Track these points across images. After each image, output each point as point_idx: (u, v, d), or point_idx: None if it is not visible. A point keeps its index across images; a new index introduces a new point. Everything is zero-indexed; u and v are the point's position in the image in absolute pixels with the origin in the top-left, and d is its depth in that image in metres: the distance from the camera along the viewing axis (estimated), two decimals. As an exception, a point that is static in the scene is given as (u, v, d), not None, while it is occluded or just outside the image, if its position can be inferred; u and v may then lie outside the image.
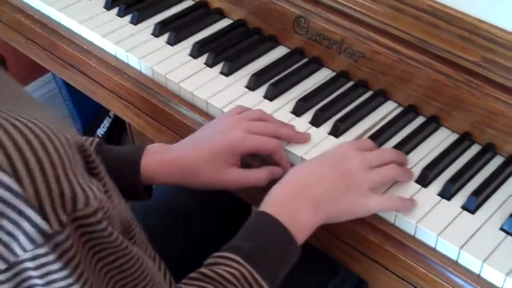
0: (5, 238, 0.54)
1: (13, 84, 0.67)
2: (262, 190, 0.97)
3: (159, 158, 0.92)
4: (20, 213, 0.53)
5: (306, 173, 0.86)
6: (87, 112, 2.24)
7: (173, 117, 1.07)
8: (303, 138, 0.98)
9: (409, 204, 0.88)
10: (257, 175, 0.93)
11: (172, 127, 1.08)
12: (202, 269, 0.77)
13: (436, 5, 0.96)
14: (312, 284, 1.05)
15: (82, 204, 0.56)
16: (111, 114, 2.21)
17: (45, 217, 0.54)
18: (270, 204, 0.83)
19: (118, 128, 2.22)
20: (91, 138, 0.93)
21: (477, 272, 0.84)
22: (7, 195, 0.52)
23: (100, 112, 2.21)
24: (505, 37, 0.90)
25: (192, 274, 0.77)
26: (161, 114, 1.09)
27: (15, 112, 0.57)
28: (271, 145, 0.93)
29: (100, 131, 2.20)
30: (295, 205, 0.83)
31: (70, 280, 0.57)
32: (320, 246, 0.98)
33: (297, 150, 0.97)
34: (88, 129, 2.23)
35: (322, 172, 0.86)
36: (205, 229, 1.13)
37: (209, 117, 1.04)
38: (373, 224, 0.90)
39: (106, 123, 2.22)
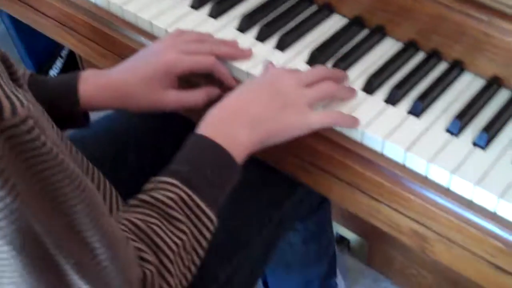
0: None
1: None
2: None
3: (95, 83, 0.92)
4: None
5: (241, 95, 0.86)
6: (38, 54, 2.19)
7: (117, 40, 1.06)
8: (244, 54, 0.97)
9: (350, 120, 0.89)
10: (194, 96, 0.93)
11: (116, 52, 1.07)
12: (141, 195, 0.77)
13: None
14: (267, 201, 1.06)
15: (8, 113, 0.53)
16: (63, 54, 2.18)
17: None
18: (206, 126, 0.83)
19: (72, 69, 2.19)
20: (22, 70, 0.91)
21: (423, 173, 0.85)
22: None
23: (51, 53, 2.17)
24: None
25: (131, 201, 0.77)
26: (105, 38, 1.07)
27: None
28: (207, 63, 0.93)
29: (53, 72, 2.17)
30: (232, 126, 0.83)
31: (1, 193, 0.54)
32: (270, 160, 0.99)
33: (241, 65, 0.96)
34: (40, 71, 2.19)
35: (257, 92, 0.86)
36: (158, 152, 1.12)
37: (154, 37, 1.03)
38: (320, 134, 0.90)
39: (59, 64, 2.18)
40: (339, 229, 1.70)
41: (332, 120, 0.87)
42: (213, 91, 0.94)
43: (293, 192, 1.09)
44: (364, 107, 0.91)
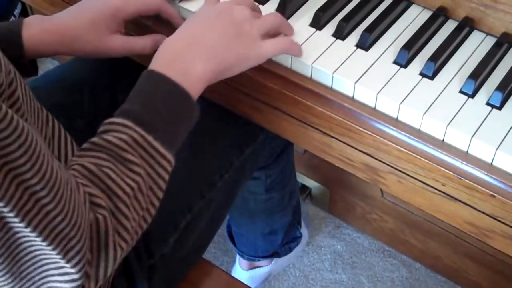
0: None
1: None
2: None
3: (39, 27, 0.89)
4: None
5: (193, 27, 0.84)
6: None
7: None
8: None
9: (299, 47, 0.88)
10: (141, 42, 0.92)
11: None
12: (93, 139, 0.74)
13: None
14: (228, 146, 1.06)
15: None
16: (16, 13, 2.13)
17: None
18: (158, 62, 0.80)
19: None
20: None
21: (372, 105, 0.85)
22: None
23: (4, 12, 2.13)
24: None
25: (84, 145, 0.74)
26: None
27: None
28: (154, 3, 0.92)
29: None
30: (185, 58, 0.80)
31: None
32: (222, 101, 0.99)
33: (190, 6, 0.95)
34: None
35: (210, 23, 0.83)
36: (113, 98, 1.11)
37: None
38: (270, 70, 0.90)
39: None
40: (301, 178, 1.71)
41: (284, 46, 0.86)
42: (161, 38, 0.92)
43: (254, 138, 1.09)
44: (313, 42, 0.90)
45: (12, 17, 2.11)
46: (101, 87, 1.11)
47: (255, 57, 0.85)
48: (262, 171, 1.28)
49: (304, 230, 1.62)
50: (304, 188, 1.75)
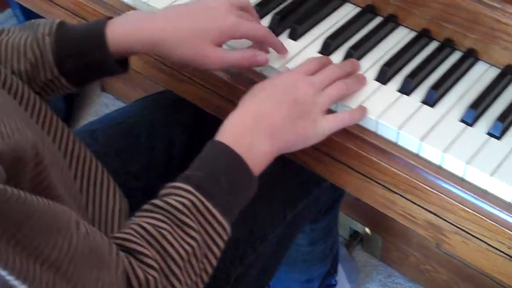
0: None
1: None
2: (227, 101, 0.97)
3: (138, 25, 0.89)
4: None
5: (260, 101, 0.84)
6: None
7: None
8: (279, 47, 0.95)
9: (358, 114, 0.88)
10: (239, 55, 0.91)
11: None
12: (154, 200, 0.75)
13: None
14: (282, 200, 1.05)
15: None
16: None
17: None
18: (225, 133, 0.81)
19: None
20: (51, 20, 0.89)
21: (438, 163, 0.84)
22: None
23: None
24: None
25: (144, 206, 0.75)
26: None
27: None
28: (263, 31, 0.92)
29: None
30: (251, 135, 0.81)
31: None
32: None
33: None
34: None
35: (276, 100, 0.84)
36: (169, 144, 1.12)
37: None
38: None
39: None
40: (353, 224, 1.69)
41: (342, 122, 0.87)
42: (259, 53, 0.92)
43: (307, 193, 1.09)
44: (378, 97, 0.90)
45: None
46: (157, 131, 1.12)
47: (314, 136, 0.85)
48: (308, 225, 1.28)
49: (342, 277, 1.60)
50: (355, 234, 1.73)
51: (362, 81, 0.91)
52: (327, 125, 0.85)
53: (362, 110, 0.88)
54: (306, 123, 0.84)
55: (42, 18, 1.15)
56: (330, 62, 0.92)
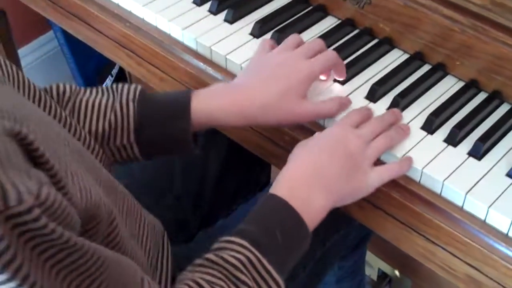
0: None
1: None
2: (267, 140, 0.97)
3: (226, 98, 0.89)
4: None
5: (314, 155, 0.84)
6: (89, 71, 2.22)
7: (176, 65, 1.06)
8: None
9: (406, 165, 0.87)
10: (328, 105, 0.92)
11: (176, 76, 1.07)
12: (208, 255, 0.74)
13: None
14: (312, 237, 1.04)
15: (14, 200, 0.50)
16: (113, 73, 2.20)
17: None
18: (281, 187, 0.80)
19: (121, 88, 2.21)
20: (133, 85, 0.90)
21: (482, 217, 0.83)
22: None
23: (102, 71, 2.20)
24: (515, -21, 0.89)
25: (197, 261, 0.74)
26: (165, 62, 1.08)
27: None
28: (333, 56, 0.93)
29: (102, 90, 2.19)
30: (307, 189, 0.80)
31: (12, 285, 0.52)
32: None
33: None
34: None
35: (330, 153, 0.83)
36: (203, 178, 1.12)
37: (214, 64, 1.03)
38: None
39: (108, 82, 2.21)
40: (382, 265, 1.68)
41: (391, 174, 0.87)
42: (346, 101, 0.94)
43: (337, 230, 1.08)
44: (424, 146, 0.89)
45: (109, 76, 2.18)
46: (191, 162, 1.13)
47: (365, 189, 0.85)
48: (336, 262, 1.27)
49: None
50: (384, 275, 1.71)
51: (406, 131, 0.91)
52: (377, 177, 0.85)
53: (410, 161, 0.87)
54: (359, 176, 0.84)
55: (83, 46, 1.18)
56: (371, 114, 0.92)
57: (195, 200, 1.13)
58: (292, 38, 0.95)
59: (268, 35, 1.05)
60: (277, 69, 0.91)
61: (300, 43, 0.95)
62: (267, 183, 1.30)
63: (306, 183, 0.81)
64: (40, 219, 0.52)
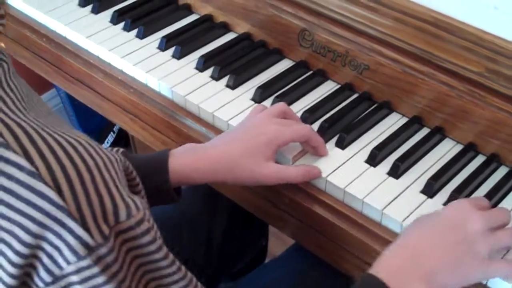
0: (49, 249, 0.55)
1: (40, 100, 0.70)
2: (267, 201, 0.99)
3: (192, 157, 0.92)
4: (63, 225, 0.54)
5: (422, 236, 0.80)
6: (91, 128, 2.25)
7: (178, 129, 1.08)
8: (322, 147, 0.98)
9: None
10: (295, 171, 0.93)
11: (179, 141, 1.09)
12: None
13: (439, 16, 0.96)
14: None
15: (124, 215, 0.57)
16: (115, 129, 2.22)
17: (87, 229, 0.55)
18: (382, 267, 0.77)
19: (122, 144, 2.23)
20: (115, 148, 0.93)
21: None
22: (49, 208, 0.54)
23: (104, 127, 2.22)
24: (509, 48, 0.91)
25: None
26: (167, 127, 1.09)
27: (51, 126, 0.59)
28: (305, 131, 0.95)
29: (104, 146, 2.20)
30: (408, 274, 0.76)
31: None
32: (327, 257, 0.98)
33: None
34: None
35: (441, 235, 0.79)
36: (209, 232, 1.13)
37: (215, 129, 1.05)
38: (380, 235, 0.90)
39: (110, 138, 2.23)
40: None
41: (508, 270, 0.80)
42: (314, 170, 0.94)
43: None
44: (424, 210, 0.90)
45: (111, 133, 2.19)
46: (198, 221, 1.14)
47: (476, 279, 0.81)
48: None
49: None
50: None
51: None
52: (495, 270, 0.79)
53: None
54: (470, 265, 0.78)
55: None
56: (489, 205, 0.87)
57: (202, 260, 1.14)
58: (278, 105, 0.98)
59: (269, 100, 1.08)
60: (249, 130, 0.93)
61: (286, 111, 0.97)
62: (266, 246, 1.33)
63: (405, 268, 0.77)
64: (147, 234, 0.59)
